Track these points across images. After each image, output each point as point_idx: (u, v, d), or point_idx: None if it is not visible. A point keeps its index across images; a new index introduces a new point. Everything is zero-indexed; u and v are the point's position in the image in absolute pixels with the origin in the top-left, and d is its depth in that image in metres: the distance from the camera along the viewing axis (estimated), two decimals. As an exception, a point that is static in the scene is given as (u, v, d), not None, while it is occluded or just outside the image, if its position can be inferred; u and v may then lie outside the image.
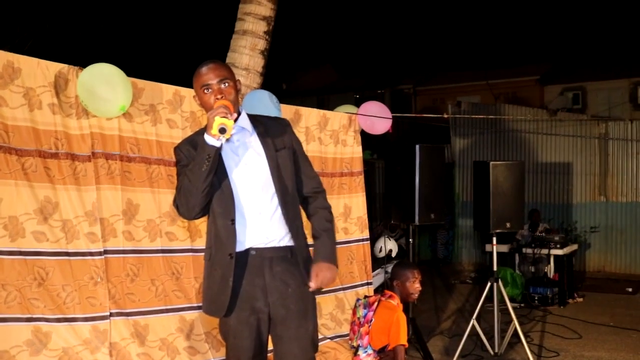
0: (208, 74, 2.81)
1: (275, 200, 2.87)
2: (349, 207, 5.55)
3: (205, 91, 2.82)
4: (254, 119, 2.99)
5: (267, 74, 5.57)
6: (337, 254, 3.02)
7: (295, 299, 2.87)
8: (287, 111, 4.97)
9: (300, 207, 3.05)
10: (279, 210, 2.88)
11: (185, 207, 2.79)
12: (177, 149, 2.93)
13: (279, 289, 2.85)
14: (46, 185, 3.72)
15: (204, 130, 2.75)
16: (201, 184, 2.71)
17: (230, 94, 2.82)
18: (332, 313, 5.25)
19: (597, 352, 5.98)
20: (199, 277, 3.34)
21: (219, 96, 2.79)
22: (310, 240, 2.98)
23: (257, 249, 2.84)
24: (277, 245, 2.87)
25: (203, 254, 2.99)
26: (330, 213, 3.07)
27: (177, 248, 4.27)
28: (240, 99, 3.31)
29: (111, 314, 3.87)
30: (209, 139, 2.67)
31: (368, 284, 5.59)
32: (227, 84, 2.82)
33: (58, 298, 3.70)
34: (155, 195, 4.18)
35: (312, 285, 2.85)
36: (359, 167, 5.61)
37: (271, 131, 2.96)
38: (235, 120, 2.81)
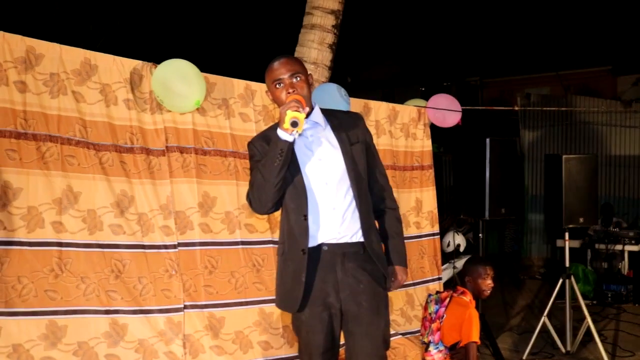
0: (280, 69, 2.81)
1: (350, 196, 2.85)
2: (420, 201, 5.49)
3: (277, 86, 2.81)
4: (327, 113, 2.98)
5: (334, 68, 5.56)
6: (406, 255, 3.09)
7: (367, 296, 2.85)
8: (356, 105, 4.95)
9: None
10: (353, 206, 2.86)
11: (258, 202, 2.80)
12: (251, 144, 2.94)
13: (351, 285, 2.83)
14: (122, 180, 3.80)
15: (277, 125, 2.75)
16: (274, 178, 2.72)
17: (303, 88, 2.81)
18: (403, 309, 5.22)
19: (676, 352, 5.77)
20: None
21: (290, 90, 2.78)
22: None
23: (329, 245, 2.83)
24: (349, 241, 2.85)
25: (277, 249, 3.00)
26: (399, 213, 3.08)
27: (257, 240, 4.29)
28: None
29: (185, 307, 3.92)
30: (281, 133, 2.67)
31: (438, 279, 5.54)
32: (299, 78, 2.81)
33: (134, 290, 3.77)
34: (232, 187, 4.21)
35: (391, 288, 2.93)
36: (429, 160, 5.55)
37: (345, 125, 2.95)
38: (308, 115, 2.81)
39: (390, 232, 3.02)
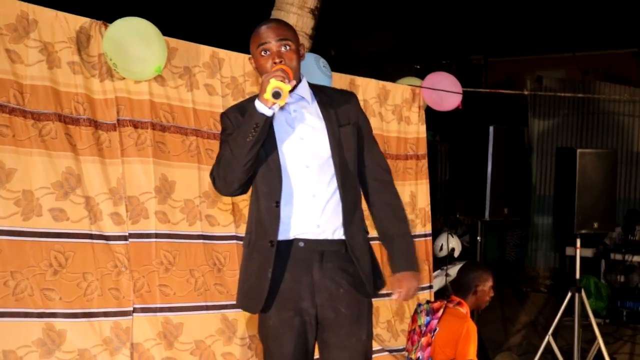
0: (267, 34, 2.83)
1: (334, 184, 2.87)
2: (416, 196, 5.54)
3: (263, 53, 2.83)
4: (316, 89, 3.01)
5: (316, 38, 5.56)
6: (417, 256, 3.06)
7: (347, 302, 2.87)
8: (339, 80, 4.93)
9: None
10: (337, 196, 2.87)
11: (222, 180, 2.81)
12: (224, 115, 2.96)
13: (329, 288, 2.85)
14: (68, 155, 3.75)
15: (255, 98, 2.76)
16: (244, 156, 2.72)
17: (292, 59, 2.83)
18: (390, 321, 5.23)
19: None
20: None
21: (277, 60, 2.80)
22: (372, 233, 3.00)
23: (306, 241, 2.84)
24: (330, 237, 2.86)
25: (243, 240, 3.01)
26: (403, 209, 3.07)
27: (219, 234, 4.29)
28: None
29: (134, 310, 3.90)
30: (259, 105, 2.68)
31: (429, 287, 5.59)
32: (288, 47, 2.83)
33: (78, 289, 3.74)
34: (194, 172, 4.20)
35: (397, 298, 2.93)
36: (423, 149, 5.59)
37: (335, 103, 2.97)
38: (294, 89, 2.82)
39: (393, 233, 3.00)
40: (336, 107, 2.96)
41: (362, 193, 3.04)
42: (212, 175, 2.86)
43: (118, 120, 3.95)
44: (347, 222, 2.89)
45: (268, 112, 2.69)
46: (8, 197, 3.59)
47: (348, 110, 2.98)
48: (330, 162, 2.87)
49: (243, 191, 2.87)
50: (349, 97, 3.06)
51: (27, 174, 3.64)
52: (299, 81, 2.90)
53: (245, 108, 2.84)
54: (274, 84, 2.63)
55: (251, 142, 2.71)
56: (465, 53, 15.64)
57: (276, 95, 2.63)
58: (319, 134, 2.89)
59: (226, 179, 2.80)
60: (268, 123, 2.72)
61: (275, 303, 2.84)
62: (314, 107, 2.94)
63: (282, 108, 2.75)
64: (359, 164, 2.97)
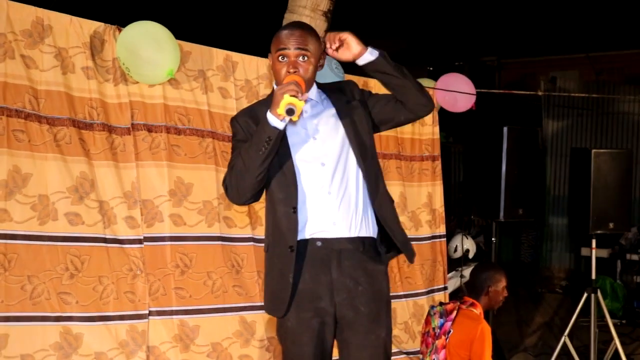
0: (288, 40, 2.82)
1: (350, 178, 2.89)
2: (432, 197, 5.52)
3: (280, 59, 2.82)
4: (325, 88, 3.01)
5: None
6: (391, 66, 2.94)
7: (366, 300, 2.86)
8: (352, 82, 4.95)
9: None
10: (351, 191, 2.89)
11: (235, 190, 2.82)
12: (234, 120, 2.95)
13: (348, 287, 2.84)
14: (82, 160, 3.77)
15: (267, 101, 2.76)
16: (256, 168, 2.72)
17: (307, 71, 2.82)
18: (407, 323, 5.20)
19: None
20: (262, 271, 3.37)
21: (292, 70, 2.79)
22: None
23: (323, 240, 2.83)
24: (346, 235, 2.85)
25: (264, 244, 3.02)
26: None
27: (236, 236, 4.29)
28: None
29: (150, 313, 3.91)
30: (272, 118, 2.67)
31: (444, 288, 5.57)
32: (306, 58, 2.82)
33: (94, 292, 3.75)
34: (211, 173, 4.20)
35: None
36: (438, 150, 5.58)
37: (337, 90, 3.00)
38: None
39: None
40: (339, 92, 2.99)
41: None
42: (225, 184, 2.87)
43: (132, 124, 3.95)
44: (373, 194, 2.91)
45: (280, 126, 2.69)
46: (24, 201, 3.60)
47: (351, 91, 3.01)
48: (346, 153, 2.88)
49: (255, 199, 2.88)
50: (347, 83, 3.11)
51: (43, 179, 3.65)
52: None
53: (256, 114, 2.85)
54: (287, 100, 2.60)
55: (264, 155, 2.71)
56: (478, 54, 15.60)
57: (290, 112, 2.61)
58: (331, 129, 2.90)
59: (239, 189, 2.81)
60: (280, 136, 2.72)
61: (294, 304, 2.84)
62: (323, 104, 2.96)
63: (294, 122, 2.75)
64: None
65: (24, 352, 3.53)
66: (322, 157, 2.86)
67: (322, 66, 2.95)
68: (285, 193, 2.83)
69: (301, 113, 2.69)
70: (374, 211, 2.93)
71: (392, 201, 3.05)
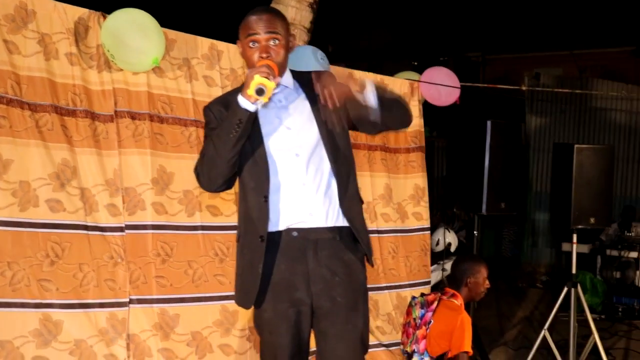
0: (257, 25, 2.79)
1: (324, 168, 2.86)
2: (421, 189, 5.51)
3: (251, 45, 2.80)
4: (296, 74, 2.98)
5: (314, 34, 5.55)
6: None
7: (342, 290, 2.85)
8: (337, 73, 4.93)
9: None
10: (327, 180, 2.86)
11: (206, 177, 2.80)
12: (207, 108, 2.93)
13: (325, 277, 2.83)
14: (64, 147, 3.74)
15: (240, 89, 2.73)
16: (228, 152, 2.70)
17: (278, 54, 2.80)
18: (391, 314, 5.20)
19: (693, 376, 5.89)
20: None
21: (264, 55, 2.77)
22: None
23: (299, 230, 2.82)
24: (323, 224, 2.84)
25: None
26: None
27: (221, 225, 4.26)
28: None
29: (130, 301, 3.89)
30: (242, 100, 2.65)
31: (427, 283, 5.56)
32: (277, 42, 2.80)
33: (74, 279, 3.72)
34: (193, 162, 4.15)
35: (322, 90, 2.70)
36: (422, 142, 5.57)
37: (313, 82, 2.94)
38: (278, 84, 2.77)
39: None
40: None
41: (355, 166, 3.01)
42: (197, 171, 2.85)
43: (115, 111, 3.92)
44: (341, 195, 2.88)
45: (251, 108, 2.66)
46: (5, 187, 3.57)
47: None
48: (321, 144, 2.85)
49: (228, 187, 2.86)
50: (323, 73, 3.01)
51: (24, 165, 3.62)
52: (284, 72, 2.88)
53: (229, 101, 2.80)
54: (258, 80, 2.59)
55: (235, 138, 2.68)
56: (463, 50, 15.67)
57: (260, 92, 2.60)
58: (306, 120, 2.87)
59: (210, 176, 2.78)
60: (252, 118, 2.69)
61: (269, 295, 2.83)
62: (298, 93, 2.93)
63: (264, 104, 2.72)
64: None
65: (2, 338, 3.50)
66: (296, 147, 2.83)
67: (292, 49, 2.91)
68: (257, 182, 2.81)
69: (272, 96, 2.68)
70: (342, 212, 2.89)
71: (362, 202, 3.03)
